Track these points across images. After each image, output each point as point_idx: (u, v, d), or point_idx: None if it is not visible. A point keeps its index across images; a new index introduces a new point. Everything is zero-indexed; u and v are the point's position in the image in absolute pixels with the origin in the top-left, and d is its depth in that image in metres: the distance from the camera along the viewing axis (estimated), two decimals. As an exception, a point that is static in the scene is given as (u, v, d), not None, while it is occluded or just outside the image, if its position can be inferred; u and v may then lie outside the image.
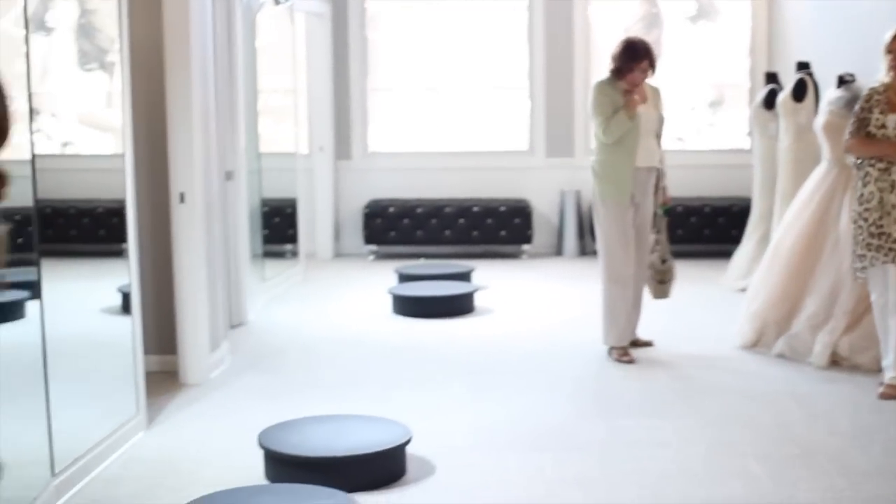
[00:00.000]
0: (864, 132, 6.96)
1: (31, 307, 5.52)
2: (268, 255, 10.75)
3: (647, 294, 8.18)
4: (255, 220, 10.24)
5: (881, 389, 6.96)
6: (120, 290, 6.65)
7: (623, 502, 5.37)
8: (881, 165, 6.91)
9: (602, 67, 8.55)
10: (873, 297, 7.11)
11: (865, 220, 6.92)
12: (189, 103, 7.08)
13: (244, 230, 9.40)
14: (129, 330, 6.42)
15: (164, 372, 7.47)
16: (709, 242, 12.31)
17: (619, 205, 7.81)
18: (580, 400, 7.06)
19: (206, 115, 7.54)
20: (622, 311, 7.88)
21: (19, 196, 5.30)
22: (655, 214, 8.00)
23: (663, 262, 8.11)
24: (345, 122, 13.24)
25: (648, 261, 8.08)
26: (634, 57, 7.69)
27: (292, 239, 11.82)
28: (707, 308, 9.28)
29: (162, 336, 7.49)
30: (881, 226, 6.87)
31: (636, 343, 8.16)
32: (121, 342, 6.40)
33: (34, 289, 5.41)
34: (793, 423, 6.51)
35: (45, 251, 5.38)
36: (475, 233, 12.64)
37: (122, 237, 6.47)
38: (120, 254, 6.59)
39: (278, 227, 11.50)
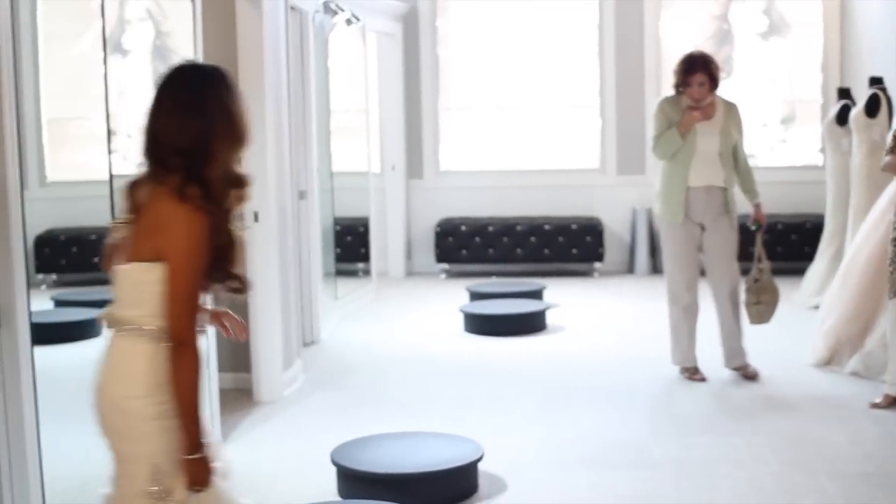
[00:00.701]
0: None
1: (108, 326, 5.60)
2: (340, 273, 10.81)
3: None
4: (328, 239, 10.32)
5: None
6: (194, 308, 6.73)
7: None
8: None
9: (669, 88, 8.49)
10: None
11: None
12: (262, 123, 7.15)
13: (317, 249, 9.47)
14: (204, 348, 6.48)
15: (237, 389, 7.54)
16: (782, 260, 12.20)
17: (672, 224, 7.70)
18: (652, 417, 7.04)
19: (280, 135, 7.61)
20: (684, 332, 7.79)
21: (98, 216, 5.39)
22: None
23: (755, 281, 7.82)
24: (416, 141, 13.29)
25: (734, 283, 7.77)
26: (690, 70, 7.55)
27: (364, 258, 11.88)
28: (780, 325, 9.22)
29: (236, 354, 7.56)
30: None
31: (742, 369, 7.82)
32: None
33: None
34: (867, 441, 6.46)
35: (121, 270, 5.44)
36: (546, 251, 12.62)
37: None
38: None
39: (350, 245, 11.56)
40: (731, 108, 7.76)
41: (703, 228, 7.74)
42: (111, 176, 5.29)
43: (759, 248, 7.84)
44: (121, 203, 3.54)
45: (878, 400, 7.04)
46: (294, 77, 8.57)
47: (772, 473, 5.93)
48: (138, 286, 3.44)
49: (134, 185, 3.47)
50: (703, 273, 7.85)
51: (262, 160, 7.18)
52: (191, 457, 3.39)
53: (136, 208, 3.46)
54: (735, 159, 7.73)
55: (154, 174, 3.42)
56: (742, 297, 7.85)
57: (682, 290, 7.75)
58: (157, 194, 3.38)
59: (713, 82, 7.58)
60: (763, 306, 7.82)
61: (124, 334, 3.48)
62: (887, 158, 6.97)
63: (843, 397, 7.27)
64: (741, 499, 5.57)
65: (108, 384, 3.49)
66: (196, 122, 3.42)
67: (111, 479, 3.58)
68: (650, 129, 12.63)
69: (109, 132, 5.31)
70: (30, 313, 4.33)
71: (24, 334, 4.30)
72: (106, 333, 3.56)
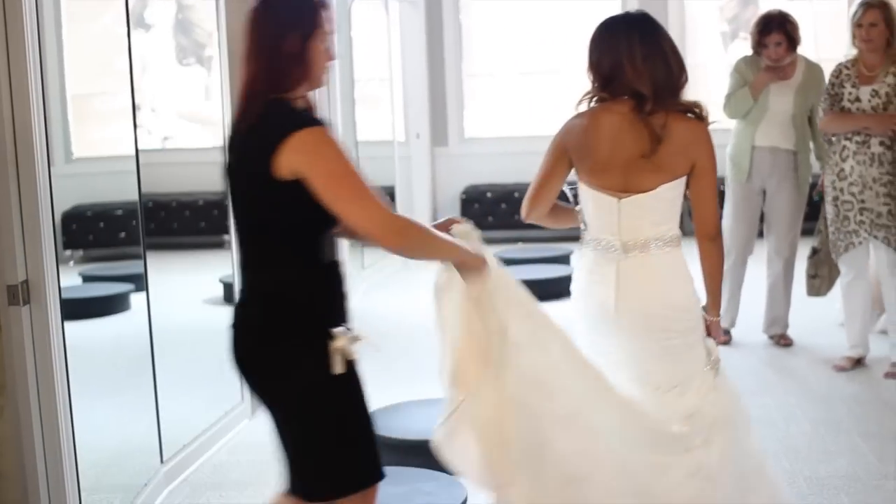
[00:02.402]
0: (838, 108, 6.82)
1: (136, 299, 5.64)
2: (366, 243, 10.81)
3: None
4: (354, 208, 10.31)
5: (889, 369, 6.90)
6: (222, 280, 6.76)
7: (727, 481, 5.36)
8: (859, 139, 6.73)
9: (693, 49, 8.37)
10: (848, 277, 7.00)
11: (853, 194, 6.77)
12: (286, 94, 7.14)
13: (343, 219, 9.45)
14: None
15: (268, 360, 7.55)
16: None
17: (736, 182, 7.56)
18: (682, 380, 7.02)
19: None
20: (726, 287, 7.38)
21: (123, 191, 5.41)
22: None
23: (814, 252, 7.44)
24: (441, 109, 13.27)
25: (791, 250, 7.62)
26: (765, 30, 7.29)
27: (391, 226, 11.86)
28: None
29: (265, 325, 7.57)
30: (863, 201, 6.74)
31: (779, 338, 7.70)
32: (224, 332, 6.49)
33: (139, 282, 5.53)
34: (898, 399, 6.46)
35: (148, 244, 5.48)
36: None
37: (222, 228, 6.56)
38: (221, 245, 6.69)
39: (377, 214, 11.55)
40: (812, 69, 7.47)
41: (765, 192, 7.57)
42: (137, 151, 5.31)
43: (821, 220, 7.40)
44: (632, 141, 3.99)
45: (842, 363, 7.05)
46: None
47: (804, 433, 5.93)
48: (670, 203, 4.02)
49: (645, 121, 3.94)
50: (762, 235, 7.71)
51: (286, 131, 7.16)
52: (715, 319, 4.19)
53: (653, 138, 3.93)
54: (811, 123, 7.48)
55: (638, 109, 3.95)
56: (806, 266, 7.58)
57: (730, 247, 7.50)
58: (675, 121, 3.95)
59: (791, 42, 7.31)
60: (819, 280, 7.54)
61: (665, 249, 4.04)
62: (825, 118, 6.87)
63: (872, 356, 7.24)
64: (773, 459, 5.54)
65: (669, 293, 4.07)
66: (680, 60, 4.04)
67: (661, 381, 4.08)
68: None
69: (135, 107, 5.33)
70: (59, 289, 4.36)
71: (55, 310, 4.33)
72: (618, 258, 4.06)
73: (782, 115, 7.40)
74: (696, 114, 4.01)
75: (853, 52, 6.85)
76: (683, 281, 4.07)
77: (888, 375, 6.84)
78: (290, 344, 3.34)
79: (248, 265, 3.44)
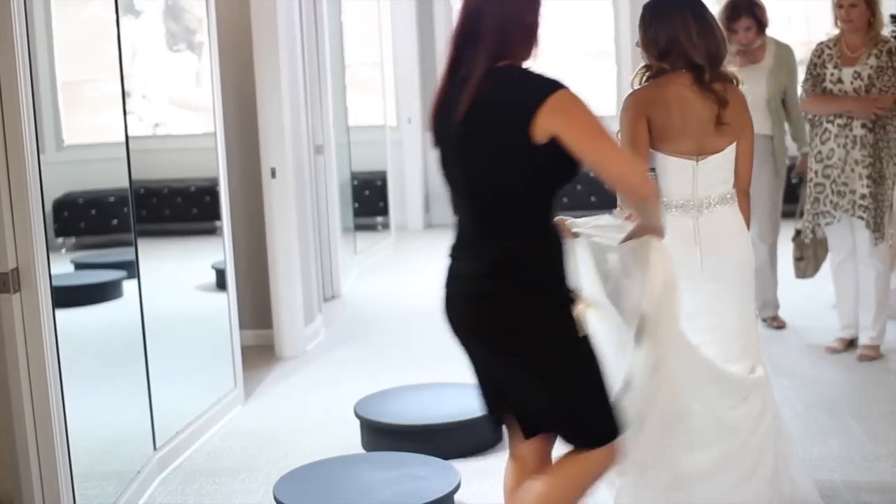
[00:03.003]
0: (819, 89, 6.77)
1: (128, 286, 5.62)
2: (359, 228, 10.83)
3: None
4: (346, 193, 10.32)
5: (860, 352, 6.89)
6: (214, 266, 6.75)
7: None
8: (840, 122, 6.68)
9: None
10: (838, 258, 6.99)
11: (827, 177, 6.73)
12: (278, 79, 7.14)
13: (335, 204, 9.46)
14: (224, 306, 6.51)
15: (259, 346, 7.57)
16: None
17: None
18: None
19: (295, 90, 7.60)
20: None
21: (115, 178, 5.40)
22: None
23: (797, 234, 7.37)
24: (432, 93, 13.22)
25: (773, 234, 7.59)
26: (733, 16, 7.19)
27: (383, 211, 11.88)
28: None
29: (257, 311, 7.59)
30: (845, 183, 6.69)
31: (772, 320, 7.68)
32: (217, 318, 6.50)
33: (131, 269, 5.51)
34: (888, 382, 6.47)
35: (140, 231, 5.47)
36: (565, 199, 12.56)
37: (214, 215, 6.55)
38: (213, 232, 6.67)
39: (368, 199, 11.56)
40: (783, 51, 7.41)
41: None
42: (127, 137, 5.30)
43: (801, 202, 7.45)
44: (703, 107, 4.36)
45: (834, 344, 7.06)
46: (308, 31, 8.54)
47: (797, 415, 5.93)
48: (732, 161, 4.46)
49: (710, 88, 4.34)
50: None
51: (278, 116, 7.17)
52: None
53: (720, 102, 4.34)
54: (785, 105, 7.43)
55: (699, 79, 4.33)
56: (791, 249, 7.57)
57: None
58: (730, 91, 4.40)
59: (760, 25, 7.23)
60: (805, 262, 7.53)
61: (727, 205, 4.45)
62: (806, 99, 6.84)
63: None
64: (765, 441, 5.57)
65: (740, 243, 4.48)
66: (723, 34, 4.50)
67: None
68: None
69: (125, 94, 5.31)
70: (50, 276, 4.35)
71: (46, 297, 4.32)
72: (696, 216, 4.41)
73: (756, 100, 7.15)
74: (735, 81, 4.46)
75: (837, 31, 6.80)
76: (745, 234, 4.51)
77: (862, 358, 6.84)
78: (545, 310, 3.44)
79: (485, 237, 3.45)
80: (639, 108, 4.38)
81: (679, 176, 4.40)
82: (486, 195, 3.44)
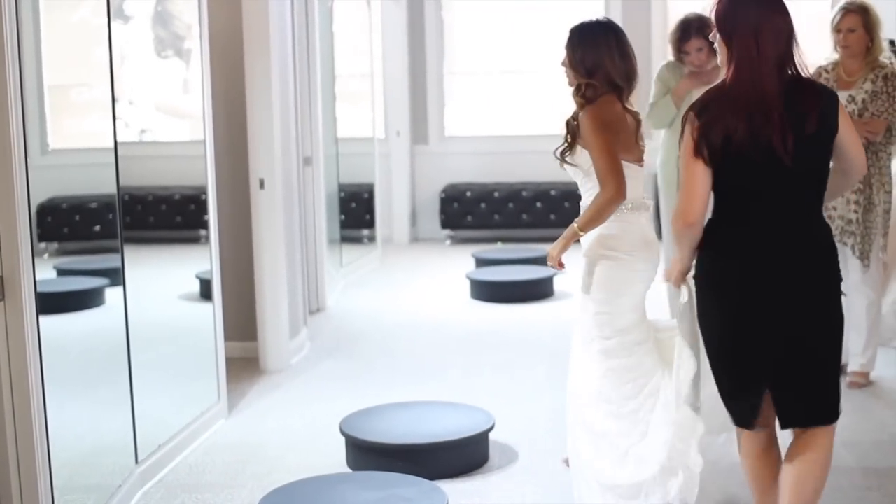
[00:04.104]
0: None
1: (111, 294, 5.53)
2: (345, 240, 10.74)
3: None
4: (332, 205, 10.24)
5: (849, 379, 6.76)
6: (198, 276, 6.65)
7: (707, 489, 5.29)
8: None
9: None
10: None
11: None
12: (268, 89, 7.07)
13: (322, 216, 9.37)
14: (209, 316, 6.41)
15: (244, 359, 7.47)
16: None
17: (666, 194, 7.33)
18: (664, 385, 6.95)
19: (286, 100, 7.52)
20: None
21: (100, 183, 5.31)
22: None
23: None
24: (421, 106, 13.19)
25: None
26: (684, 37, 7.07)
27: (369, 224, 11.81)
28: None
29: (241, 323, 7.48)
30: (834, 207, 6.55)
31: None
32: (200, 329, 6.41)
33: (114, 276, 5.43)
34: (876, 409, 6.41)
35: (124, 238, 5.38)
36: (553, 216, 12.54)
37: (198, 224, 6.48)
38: (197, 240, 6.60)
39: (355, 212, 11.48)
40: None
41: None
42: (116, 143, 5.21)
43: None
44: None
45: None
46: (299, 42, 8.47)
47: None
48: None
49: (627, 108, 5.00)
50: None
51: (268, 126, 7.09)
52: None
53: (637, 121, 5.06)
54: None
55: (620, 99, 4.97)
56: None
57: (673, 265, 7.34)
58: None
59: (712, 46, 7.09)
60: None
61: None
62: None
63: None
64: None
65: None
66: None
67: None
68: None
69: (114, 99, 5.22)
70: (35, 286, 4.26)
71: (30, 306, 4.23)
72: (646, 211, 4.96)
73: None
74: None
75: (836, 55, 6.74)
76: None
77: (852, 385, 6.74)
78: (839, 280, 4.15)
79: (803, 219, 4.08)
80: (607, 123, 4.82)
81: (636, 179, 4.86)
82: (808, 188, 4.11)
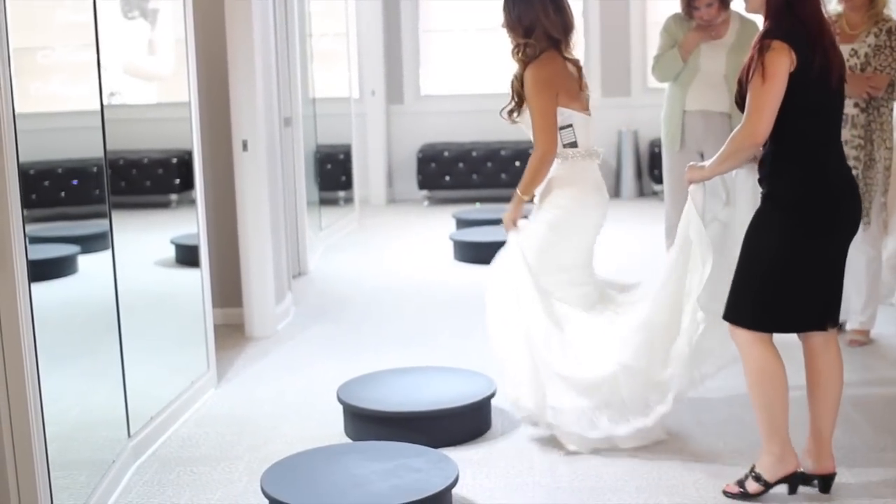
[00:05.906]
0: None
1: (84, 262, 5.35)
2: (323, 202, 10.56)
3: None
4: (310, 167, 10.04)
5: (849, 337, 6.70)
6: (174, 242, 6.46)
7: (718, 450, 5.19)
8: None
9: (658, 6, 8.00)
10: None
11: None
12: (251, 49, 6.86)
13: (302, 178, 9.18)
14: (188, 283, 6.21)
15: (229, 325, 7.30)
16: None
17: (670, 151, 7.17)
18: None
19: (267, 59, 7.31)
20: None
21: (66, 149, 5.14)
22: None
23: None
24: (396, 65, 13.00)
25: None
26: None
27: (345, 186, 11.63)
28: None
29: (225, 288, 7.29)
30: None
31: None
32: (180, 295, 6.22)
33: (85, 243, 5.25)
34: (882, 367, 6.33)
35: (94, 204, 5.20)
36: (475, 176, 12.46)
37: (169, 188, 6.30)
38: (167, 205, 6.42)
39: (331, 174, 11.30)
40: (746, 26, 6.96)
41: (702, 158, 6.98)
42: (102, 106, 5.01)
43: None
44: None
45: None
46: (277, 1, 8.25)
47: (794, 401, 5.73)
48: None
49: (570, 58, 5.34)
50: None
51: (250, 87, 6.90)
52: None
53: (579, 68, 5.40)
54: None
55: (559, 51, 5.31)
56: None
57: (673, 225, 7.22)
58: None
59: (723, 1, 6.87)
60: None
61: None
62: None
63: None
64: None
65: None
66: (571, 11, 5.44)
67: None
68: (636, 50, 12.50)
69: (100, 63, 5.04)
70: (27, 253, 4.08)
71: (22, 275, 4.05)
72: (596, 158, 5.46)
73: (714, 77, 6.96)
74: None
75: (839, 8, 6.59)
76: None
77: (853, 343, 6.65)
78: None
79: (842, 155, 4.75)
80: (552, 79, 5.19)
81: (584, 128, 5.24)
82: (838, 128, 4.75)
